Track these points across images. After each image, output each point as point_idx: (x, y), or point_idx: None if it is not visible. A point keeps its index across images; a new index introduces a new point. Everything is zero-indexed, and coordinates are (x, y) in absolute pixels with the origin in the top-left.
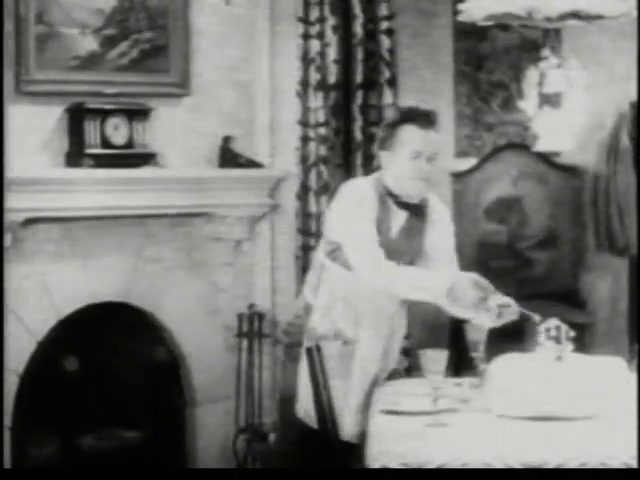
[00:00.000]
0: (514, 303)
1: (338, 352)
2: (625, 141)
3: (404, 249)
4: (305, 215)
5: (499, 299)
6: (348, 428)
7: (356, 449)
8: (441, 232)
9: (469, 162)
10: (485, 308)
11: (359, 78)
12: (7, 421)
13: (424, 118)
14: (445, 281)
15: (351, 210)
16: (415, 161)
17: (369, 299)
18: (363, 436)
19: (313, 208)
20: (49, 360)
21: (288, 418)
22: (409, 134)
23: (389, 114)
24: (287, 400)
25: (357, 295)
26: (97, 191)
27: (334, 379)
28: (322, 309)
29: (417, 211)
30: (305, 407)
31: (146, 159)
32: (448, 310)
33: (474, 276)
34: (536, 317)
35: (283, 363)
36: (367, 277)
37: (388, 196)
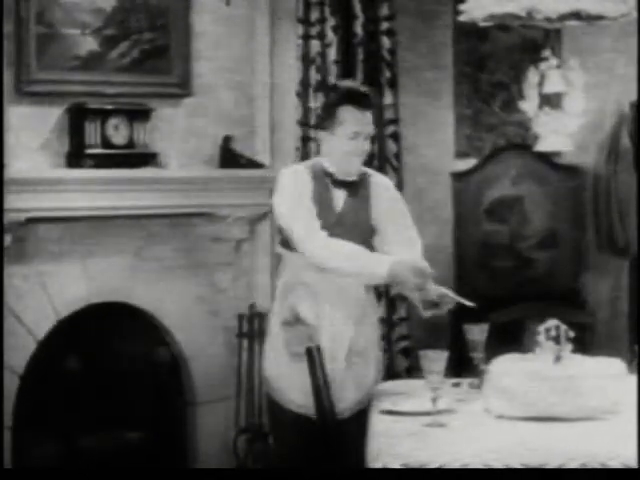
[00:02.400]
0: (450, 293)
1: (299, 336)
2: (625, 141)
3: (351, 228)
4: None
5: (437, 289)
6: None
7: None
8: (387, 205)
9: (469, 162)
10: (424, 295)
11: (359, 78)
12: (7, 421)
13: (362, 99)
14: (385, 266)
15: (287, 193)
16: (354, 141)
17: (329, 282)
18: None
19: None
20: (49, 360)
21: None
22: (348, 115)
23: (330, 96)
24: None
25: (316, 279)
26: (97, 191)
27: (296, 362)
28: (281, 295)
29: (356, 188)
30: (280, 389)
31: (146, 159)
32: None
33: (415, 262)
34: (470, 304)
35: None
36: (311, 254)
37: (325, 176)
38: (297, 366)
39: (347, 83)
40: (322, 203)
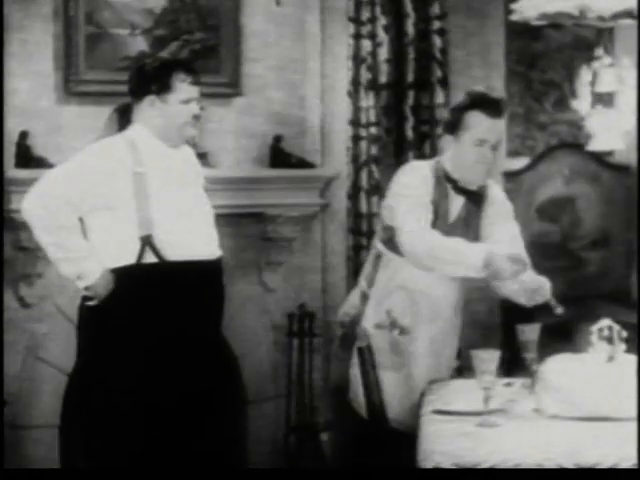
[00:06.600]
0: (547, 284)
1: (390, 344)
2: None
3: (460, 236)
4: (356, 215)
5: (534, 277)
6: (401, 418)
7: (406, 438)
8: (499, 221)
9: (522, 162)
10: (521, 284)
11: (411, 78)
12: (56, 420)
13: (493, 106)
14: (480, 254)
15: (406, 189)
16: (479, 148)
17: (426, 289)
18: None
19: (364, 208)
20: None
21: (342, 406)
22: (476, 120)
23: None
24: (341, 389)
25: (415, 285)
26: None
27: (386, 371)
28: (378, 297)
29: (475, 198)
30: (357, 397)
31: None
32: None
33: (510, 252)
34: (559, 310)
35: (336, 354)
36: (409, 245)
37: (446, 181)
38: (387, 375)
39: (479, 89)
40: (438, 210)
